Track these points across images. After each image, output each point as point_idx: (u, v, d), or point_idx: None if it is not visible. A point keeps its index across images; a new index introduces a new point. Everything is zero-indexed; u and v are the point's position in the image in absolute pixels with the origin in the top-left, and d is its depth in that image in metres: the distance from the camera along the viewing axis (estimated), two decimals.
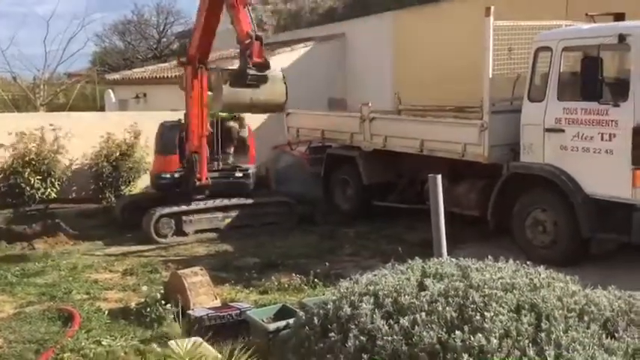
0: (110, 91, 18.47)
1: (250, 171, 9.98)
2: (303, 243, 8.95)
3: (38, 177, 10.67)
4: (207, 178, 9.46)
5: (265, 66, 8.06)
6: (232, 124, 10.10)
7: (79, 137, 11.14)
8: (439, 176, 4.78)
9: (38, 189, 10.67)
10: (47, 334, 5.47)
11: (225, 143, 10.07)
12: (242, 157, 10.18)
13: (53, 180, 10.88)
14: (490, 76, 7.86)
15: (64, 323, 5.76)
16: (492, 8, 7.75)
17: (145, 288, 6.61)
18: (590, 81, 6.83)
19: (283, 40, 18.31)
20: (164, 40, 31.44)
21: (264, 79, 8.13)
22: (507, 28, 7.95)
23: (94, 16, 53.91)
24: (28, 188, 10.59)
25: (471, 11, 9.78)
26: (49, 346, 5.16)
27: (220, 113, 10.14)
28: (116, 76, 20.00)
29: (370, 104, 10.13)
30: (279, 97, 8.61)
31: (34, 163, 10.71)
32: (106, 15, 63.16)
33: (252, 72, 7.97)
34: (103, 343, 5.22)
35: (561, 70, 7.44)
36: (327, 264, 7.56)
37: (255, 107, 8.85)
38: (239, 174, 9.78)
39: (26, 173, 10.58)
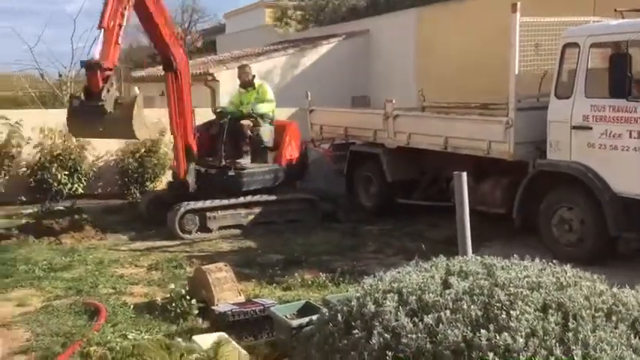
0: (136, 88, 18.60)
1: (250, 170, 9.72)
2: (326, 240, 8.94)
3: (65, 172, 10.81)
4: (184, 176, 9.44)
5: (98, 97, 7.56)
6: (245, 122, 9.95)
7: None
8: (464, 173, 4.74)
9: (65, 184, 10.82)
10: (74, 328, 5.53)
11: (235, 141, 9.94)
12: (258, 156, 10.00)
13: (80, 175, 11.02)
14: (516, 72, 7.78)
15: (91, 317, 5.82)
16: (519, 4, 7.66)
17: (171, 285, 6.66)
18: (618, 77, 6.73)
19: (307, 37, 18.35)
20: (189, 37, 31.59)
21: (99, 110, 7.58)
22: (534, 24, 7.86)
23: None
24: (55, 184, 10.75)
25: (497, 7, 9.69)
26: (76, 339, 5.22)
27: (231, 110, 10.16)
28: (142, 73, 20.17)
29: (394, 101, 10.09)
30: (124, 127, 7.89)
31: (60, 158, 10.84)
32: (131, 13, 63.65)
33: (86, 103, 7.65)
34: (129, 336, 5.27)
35: (589, 67, 7.33)
36: (354, 262, 7.56)
37: (107, 135, 8.49)
38: (232, 172, 9.63)
39: (53, 169, 10.72)
